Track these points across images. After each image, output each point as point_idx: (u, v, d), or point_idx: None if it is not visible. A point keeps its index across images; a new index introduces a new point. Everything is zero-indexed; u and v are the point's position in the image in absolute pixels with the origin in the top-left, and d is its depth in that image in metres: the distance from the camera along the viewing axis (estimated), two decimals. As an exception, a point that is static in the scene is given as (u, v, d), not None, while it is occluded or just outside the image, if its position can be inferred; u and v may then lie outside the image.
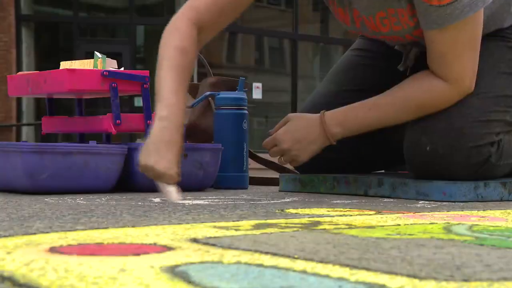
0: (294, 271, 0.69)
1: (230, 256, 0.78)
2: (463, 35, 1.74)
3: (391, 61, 2.08)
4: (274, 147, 1.93)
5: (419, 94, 1.81)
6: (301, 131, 1.89)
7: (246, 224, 1.13)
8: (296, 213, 1.36)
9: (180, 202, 1.59)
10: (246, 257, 0.77)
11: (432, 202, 1.72)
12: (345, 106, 1.89)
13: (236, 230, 1.03)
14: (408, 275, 0.67)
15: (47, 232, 0.98)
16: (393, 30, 1.82)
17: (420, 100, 1.81)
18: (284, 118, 1.96)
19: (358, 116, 1.85)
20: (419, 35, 1.81)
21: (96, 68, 2.06)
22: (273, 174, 2.56)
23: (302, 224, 1.14)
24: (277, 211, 1.40)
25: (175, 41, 1.70)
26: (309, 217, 1.26)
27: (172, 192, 1.50)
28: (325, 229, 1.06)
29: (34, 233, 0.97)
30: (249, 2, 1.86)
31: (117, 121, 2.01)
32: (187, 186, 2.05)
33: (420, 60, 2.04)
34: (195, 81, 2.99)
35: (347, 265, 0.73)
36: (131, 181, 2.00)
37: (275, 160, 2.12)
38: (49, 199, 1.66)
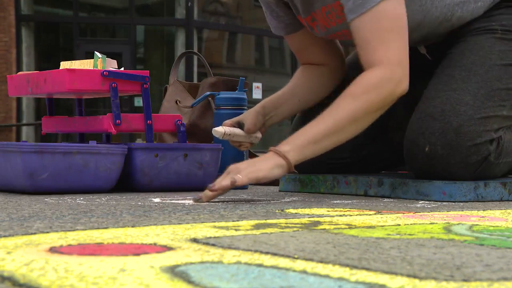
0: (294, 271, 0.69)
1: (230, 256, 0.78)
2: (385, 22, 1.72)
3: None
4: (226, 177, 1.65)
5: (348, 88, 1.74)
6: (254, 160, 1.73)
7: (246, 224, 1.13)
8: (296, 213, 1.36)
9: (180, 202, 1.59)
10: (246, 257, 0.77)
11: (432, 202, 1.72)
12: (293, 136, 1.76)
13: (236, 230, 1.04)
14: (408, 275, 0.67)
15: (47, 232, 0.98)
16: (338, 24, 1.86)
17: (350, 91, 1.73)
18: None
19: (305, 130, 1.74)
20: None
21: (96, 68, 2.06)
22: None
23: (302, 224, 1.14)
24: (277, 211, 1.40)
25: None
26: (309, 217, 1.26)
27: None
28: (325, 229, 1.06)
29: (34, 233, 0.97)
30: (305, 34, 2.02)
31: (117, 121, 2.01)
32: (187, 186, 2.06)
33: (412, 60, 2.04)
34: (195, 81, 2.99)
35: (347, 265, 0.73)
36: (131, 181, 2.00)
37: None
38: (49, 199, 1.66)
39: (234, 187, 1.61)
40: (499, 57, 1.86)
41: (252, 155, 2.49)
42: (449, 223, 1.19)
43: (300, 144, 1.70)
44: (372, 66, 1.73)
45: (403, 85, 1.73)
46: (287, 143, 1.71)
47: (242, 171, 1.64)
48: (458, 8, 1.90)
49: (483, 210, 1.50)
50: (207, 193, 1.61)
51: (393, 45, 1.72)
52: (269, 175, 1.65)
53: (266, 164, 1.66)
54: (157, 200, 1.66)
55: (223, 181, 1.62)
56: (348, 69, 2.10)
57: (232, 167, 1.66)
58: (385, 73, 1.72)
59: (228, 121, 1.93)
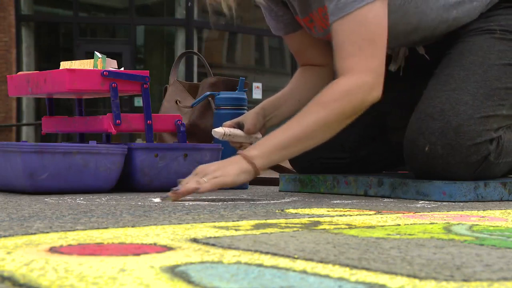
0: (294, 271, 0.69)
1: (230, 256, 0.78)
2: (361, 27, 1.71)
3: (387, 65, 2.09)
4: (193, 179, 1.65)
5: (318, 96, 1.73)
6: (220, 163, 1.74)
7: (246, 224, 1.13)
8: (296, 213, 1.36)
9: (180, 202, 1.59)
10: (246, 257, 0.77)
11: (432, 202, 1.72)
12: (259, 144, 1.74)
13: (236, 230, 1.04)
14: (408, 275, 0.67)
15: (47, 232, 0.98)
16: None
17: (319, 99, 1.72)
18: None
19: (274, 136, 1.72)
20: None
21: (96, 68, 2.06)
22: (273, 174, 2.56)
23: (302, 224, 1.14)
24: (277, 211, 1.40)
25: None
26: (309, 217, 1.26)
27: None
28: (325, 229, 1.06)
29: (34, 233, 0.97)
30: (303, 35, 2.03)
31: (117, 121, 2.01)
32: (187, 186, 2.05)
33: (411, 60, 2.04)
34: (195, 81, 2.99)
35: (347, 265, 0.73)
36: (131, 181, 2.00)
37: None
38: (49, 199, 1.66)
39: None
40: (498, 57, 1.86)
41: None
42: (449, 223, 1.19)
43: (268, 150, 1.69)
44: (344, 73, 1.72)
45: (375, 93, 1.72)
46: (255, 148, 1.71)
47: (209, 174, 1.63)
48: (453, 9, 1.90)
49: (483, 210, 1.50)
50: (171, 195, 1.62)
51: (368, 52, 1.71)
52: (235, 181, 1.65)
53: (233, 169, 1.65)
54: (157, 200, 1.66)
55: (189, 183, 1.62)
56: None
57: (200, 168, 1.66)
58: (357, 81, 1.71)
59: (228, 122, 1.93)
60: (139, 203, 1.55)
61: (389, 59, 2.03)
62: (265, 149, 1.69)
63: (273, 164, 1.73)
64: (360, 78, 1.71)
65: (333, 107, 1.70)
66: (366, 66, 1.71)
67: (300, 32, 2.02)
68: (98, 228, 1.04)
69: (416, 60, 1.86)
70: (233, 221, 1.17)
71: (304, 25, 1.95)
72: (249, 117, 1.94)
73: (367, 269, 0.71)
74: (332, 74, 2.05)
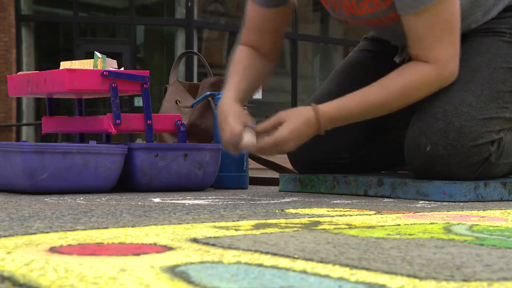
0: (294, 271, 0.69)
1: (230, 256, 0.78)
2: (439, 18, 1.74)
3: (394, 63, 2.08)
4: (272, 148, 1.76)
5: (403, 79, 1.79)
6: (302, 128, 1.82)
7: (246, 224, 1.13)
8: (296, 213, 1.36)
9: (180, 202, 1.59)
10: (246, 257, 0.77)
11: (432, 202, 1.72)
12: (336, 101, 1.81)
13: (236, 230, 1.04)
14: (408, 275, 0.67)
15: (47, 232, 0.98)
16: (369, 13, 1.84)
17: (406, 85, 1.79)
18: (275, 117, 1.80)
19: (351, 112, 1.79)
20: (395, 18, 1.81)
21: (96, 68, 2.06)
22: (273, 174, 2.56)
23: (302, 224, 1.14)
24: (277, 211, 1.40)
25: (236, 57, 1.95)
26: (309, 217, 1.26)
27: (248, 137, 1.71)
28: (325, 229, 1.06)
29: (34, 233, 0.97)
30: (287, 18, 1.99)
31: (117, 121, 2.01)
32: (187, 186, 2.06)
33: None
34: (195, 81, 2.99)
35: (347, 265, 0.73)
36: (131, 181, 2.00)
37: (275, 160, 2.11)
38: (49, 199, 1.66)
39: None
40: (504, 60, 1.87)
41: (252, 155, 2.49)
42: (449, 223, 1.19)
43: (341, 123, 1.81)
44: (428, 61, 1.77)
45: (454, 76, 1.80)
46: (333, 122, 1.79)
47: (284, 150, 1.77)
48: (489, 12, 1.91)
49: (483, 210, 1.50)
50: (248, 142, 1.70)
51: (448, 41, 1.76)
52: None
53: (306, 139, 1.78)
54: (157, 200, 1.66)
55: (267, 149, 1.74)
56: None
57: (281, 143, 1.73)
58: (440, 71, 1.78)
59: (238, 128, 1.78)
60: (139, 203, 1.55)
61: (395, 50, 2.03)
62: (338, 122, 1.81)
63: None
64: (443, 68, 1.78)
65: (414, 95, 1.79)
66: (447, 56, 1.77)
67: (277, 11, 1.93)
68: (98, 228, 1.04)
69: None
70: (233, 221, 1.17)
71: (329, 3, 1.90)
72: (244, 116, 1.84)
73: (367, 269, 0.71)
74: (266, 60, 1.98)
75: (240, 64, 1.94)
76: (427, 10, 1.72)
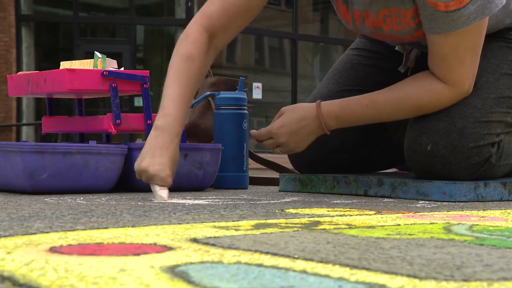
0: (294, 271, 0.69)
1: (230, 256, 0.78)
2: (466, 40, 1.73)
3: (392, 62, 2.08)
4: (269, 139, 1.92)
5: (417, 93, 1.81)
6: (298, 124, 1.88)
7: (246, 224, 1.13)
8: (296, 213, 1.36)
9: (180, 202, 1.59)
10: (246, 257, 0.77)
11: (432, 202, 1.72)
12: (342, 100, 1.88)
13: (236, 230, 1.03)
14: (408, 275, 0.67)
15: (47, 232, 0.98)
16: (394, 30, 1.82)
17: (418, 100, 1.81)
18: (279, 112, 1.94)
19: (355, 112, 1.86)
20: (420, 36, 1.80)
21: (96, 68, 2.06)
22: (273, 174, 2.56)
23: (302, 224, 1.14)
24: (277, 211, 1.40)
25: (183, 48, 1.77)
26: (309, 217, 1.26)
27: (163, 193, 1.63)
28: (325, 229, 1.06)
29: (34, 233, 0.97)
30: (259, 9, 1.86)
31: (117, 121, 2.01)
32: (187, 186, 2.06)
33: (421, 61, 2.04)
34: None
35: (347, 265, 0.73)
36: (131, 181, 2.00)
37: (275, 160, 2.12)
38: (49, 199, 1.66)
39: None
40: (510, 67, 1.87)
41: (252, 155, 2.49)
42: (449, 223, 1.19)
43: (346, 123, 1.89)
44: (446, 82, 1.79)
45: (468, 93, 1.81)
46: (336, 118, 1.87)
47: (286, 146, 1.90)
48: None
49: (483, 210, 1.50)
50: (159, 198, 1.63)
51: (470, 61, 1.77)
52: (306, 146, 1.92)
53: (308, 142, 1.90)
54: (157, 200, 1.65)
55: (268, 143, 1.90)
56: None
57: (281, 137, 1.88)
58: (456, 92, 1.79)
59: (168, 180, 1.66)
60: (139, 203, 1.54)
61: (400, 57, 2.03)
62: (344, 124, 1.88)
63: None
64: (459, 90, 1.79)
65: (425, 111, 1.82)
66: (466, 77, 1.79)
67: (258, 3, 1.83)
68: (98, 228, 1.04)
69: (425, 62, 1.85)
70: (233, 221, 1.17)
71: (352, 17, 1.86)
72: (177, 161, 1.70)
73: (367, 269, 0.71)
74: (209, 53, 1.83)
75: (188, 69, 1.74)
76: (457, 33, 1.71)
